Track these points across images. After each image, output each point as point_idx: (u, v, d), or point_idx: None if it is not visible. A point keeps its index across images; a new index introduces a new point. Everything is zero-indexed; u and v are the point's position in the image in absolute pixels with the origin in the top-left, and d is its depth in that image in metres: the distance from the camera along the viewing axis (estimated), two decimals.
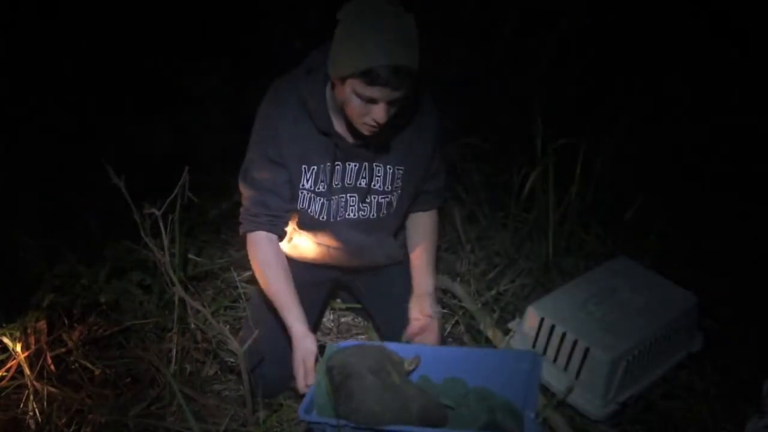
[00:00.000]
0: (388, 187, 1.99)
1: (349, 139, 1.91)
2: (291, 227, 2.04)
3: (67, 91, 3.06)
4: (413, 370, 1.82)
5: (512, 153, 2.96)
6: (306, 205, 1.97)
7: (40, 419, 2.02)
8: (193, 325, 2.24)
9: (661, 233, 2.68)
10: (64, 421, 2.02)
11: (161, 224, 1.81)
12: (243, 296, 2.35)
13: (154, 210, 1.78)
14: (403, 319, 2.04)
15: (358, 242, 2.08)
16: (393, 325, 2.08)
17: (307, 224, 2.02)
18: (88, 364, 2.21)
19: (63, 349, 2.24)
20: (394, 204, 2.04)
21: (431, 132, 2.00)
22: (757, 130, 2.99)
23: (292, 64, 1.91)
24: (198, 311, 2.02)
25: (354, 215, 2.01)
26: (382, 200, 2.01)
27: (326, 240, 2.06)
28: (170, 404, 2.06)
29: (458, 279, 2.59)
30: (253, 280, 2.17)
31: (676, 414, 2.07)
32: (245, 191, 1.97)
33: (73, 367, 2.22)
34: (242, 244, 2.06)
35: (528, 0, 3.40)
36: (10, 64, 2.94)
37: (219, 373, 2.22)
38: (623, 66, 3.23)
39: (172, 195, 1.85)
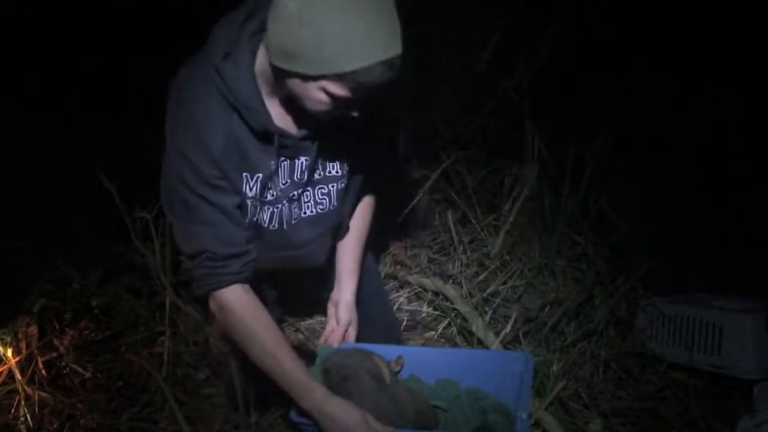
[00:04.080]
0: (344, 170, 1.72)
1: (294, 131, 1.58)
2: None
3: (57, 95, 3.05)
4: (400, 371, 1.80)
5: (504, 155, 2.97)
6: (252, 215, 1.63)
7: (31, 424, 2.01)
8: (184, 329, 2.24)
9: (652, 234, 2.69)
10: (55, 426, 2.01)
11: (152, 228, 1.81)
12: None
13: (145, 214, 1.78)
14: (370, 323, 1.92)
15: (320, 240, 1.81)
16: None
17: (256, 235, 1.68)
18: (80, 369, 2.20)
19: (54, 354, 2.24)
20: (352, 187, 1.81)
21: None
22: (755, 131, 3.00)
23: None
24: (189, 314, 2.02)
25: (312, 211, 1.73)
26: (341, 186, 1.74)
27: (281, 249, 1.76)
28: (162, 408, 2.06)
29: (450, 281, 2.59)
30: None
31: (668, 413, 2.07)
32: (195, 234, 1.55)
33: (64, 371, 2.21)
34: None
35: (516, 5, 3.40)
36: None
37: (211, 377, 2.22)
38: (615, 67, 3.24)
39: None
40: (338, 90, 1.35)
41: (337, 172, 1.72)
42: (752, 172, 2.86)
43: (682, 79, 3.19)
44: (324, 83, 1.35)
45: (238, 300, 1.58)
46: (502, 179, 2.85)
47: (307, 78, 1.36)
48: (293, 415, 1.61)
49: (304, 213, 1.73)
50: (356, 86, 1.34)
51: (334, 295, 1.89)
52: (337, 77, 1.32)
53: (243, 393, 1.84)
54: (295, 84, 1.40)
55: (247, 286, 1.61)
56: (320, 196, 1.73)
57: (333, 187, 1.73)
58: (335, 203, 1.76)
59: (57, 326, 2.30)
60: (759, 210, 2.61)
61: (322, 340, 1.85)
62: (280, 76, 1.42)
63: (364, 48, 1.29)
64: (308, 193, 1.71)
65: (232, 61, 1.46)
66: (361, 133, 1.71)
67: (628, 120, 2.97)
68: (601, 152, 2.77)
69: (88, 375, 2.19)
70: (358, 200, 1.92)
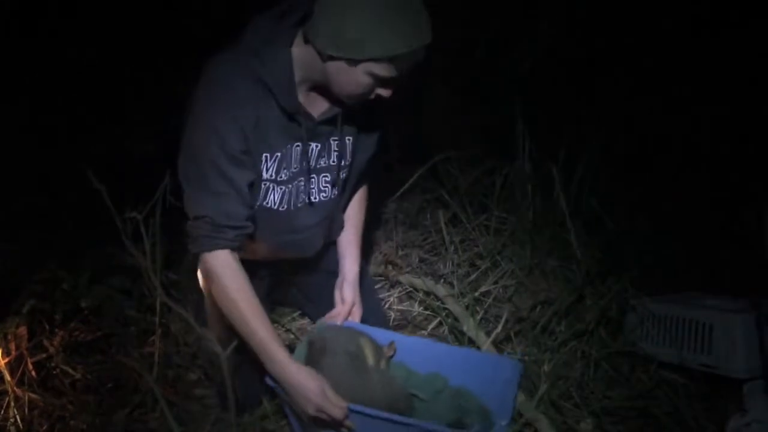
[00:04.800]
0: (348, 161, 1.89)
1: (315, 115, 1.75)
2: None
3: (45, 94, 3.03)
4: (392, 356, 1.87)
5: (495, 155, 2.97)
6: (263, 197, 1.78)
7: (21, 426, 2.00)
8: (175, 330, 2.23)
9: (642, 234, 2.70)
10: (45, 427, 2.00)
11: (143, 228, 1.80)
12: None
13: (135, 214, 1.78)
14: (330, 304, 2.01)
15: (317, 228, 1.94)
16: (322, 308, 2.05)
17: (260, 220, 1.80)
18: (70, 370, 2.19)
19: (44, 355, 2.22)
20: (353, 177, 1.96)
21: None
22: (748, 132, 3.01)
23: None
24: (180, 315, 2.01)
25: (316, 198, 1.87)
26: (343, 176, 1.90)
27: (285, 233, 1.89)
28: (153, 410, 2.05)
29: (441, 280, 2.59)
30: None
31: (658, 412, 2.08)
32: (200, 200, 1.68)
33: (54, 373, 2.20)
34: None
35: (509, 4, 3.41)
36: None
37: (202, 378, 2.21)
38: (606, 67, 3.25)
39: (154, 199, 1.84)
40: (383, 71, 1.55)
41: (342, 162, 1.86)
42: (743, 173, 2.88)
43: (676, 79, 3.20)
44: (371, 66, 1.54)
45: (224, 265, 1.70)
46: (493, 179, 2.85)
47: (357, 62, 1.54)
48: (268, 379, 1.72)
49: (308, 199, 1.86)
50: (400, 67, 1.55)
51: (339, 279, 2.04)
52: (389, 60, 1.52)
53: (234, 394, 1.84)
54: (340, 68, 1.57)
55: (235, 254, 1.72)
56: (324, 184, 1.87)
57: (336, 176, 1.87)
58: (336, 192, 1.91)
59: (47, 327, 2.29)
60: (749, 210, 2.62)
61: (324, 318, 1.98)
62: (324, 62, 1.58)
63: (413, 33, 1.50)
64: (314, 179, 1.85)
65: (272, 48, 1.62)
66: (370, 127, 1.89)
67: (620, 120, 2.99)
68: (592, 153, 2.78)
69: (78, 376, 2.18)
70: (353, 193, 2.07)
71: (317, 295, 2.20)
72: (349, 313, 2.01)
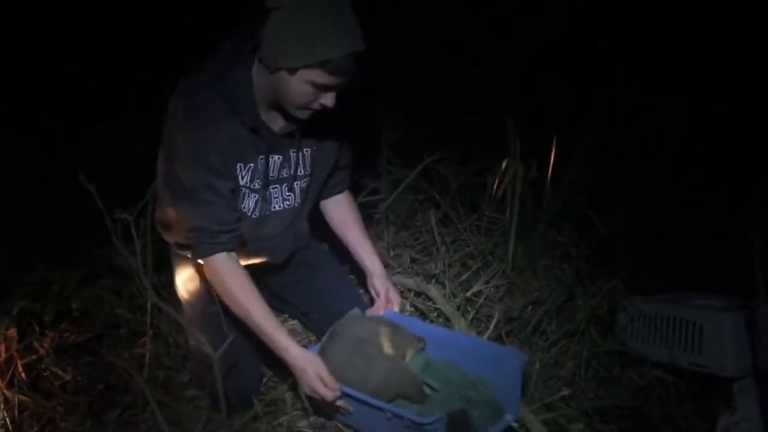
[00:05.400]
0: (308, 170, 2.04)
1: (275, 129, 1.91)
2: None
3: (35, 95, 3.02)
4: (422, 348, 1.97)
5: (486, 155, 2.97)
6: (241, 201, 1.94)
7: (11, 428, 1.98)
8: (165, 331, 2.23)
9: (633, 234, 2.71)
10: (35, 429, 1.99)
11: (133, 229, 1.80)
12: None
13: (125, 215, 1.77)
14: (335, 312, 2.05)
15: (283, 236, 2.09)
16: (327, 317, 2.09)
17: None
18: (60, 372, 2.18)
19: (34, 357, 2.21)
20: (314, 186, 2.10)
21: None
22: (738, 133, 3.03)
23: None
24: (171, 316, 2.01)
25: (280, 206, 2.04)
26: (305, 185, 2.06)
27: (254, 241, 2.02)
28: (144, 411, 2.04)
29: (433, 281, 2.59)
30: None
31: (649, 411, 2.09)
32: (192, 212, 1.84)
33: (44, 374, 2.18)
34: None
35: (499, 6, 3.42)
36: None
37: (193, 379, 2.20)
38: (597, 67, 3.26)
39: (144, 200, 1.83)
40: (319, 78, 1.69)
41: (301, 172, 2.03)
42: (733, 174, 2.89)
43: (670, 79, 3.22)
44: (307, 73, 1.68)
45: (224, 266, 1.87)
46: (484, 180, 2.85)
47: (294, 70, 1.69)
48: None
49: (274, 207, 2.03)
50: (334, 74, 1.68)
51: (368, 277, 2.20)
52: (319, 65, 1.66)
53: (225, 394, 1.83)
54: (282, 79, 1.72)
55: (232, 254, 1.89)
56: (286, 193, 2.04)
57: (297, 185, 2.05)
58: (298, 200, 2.08)
59: (37, 329, 2.27)
60: (738, 211, 2.64)
61: (366, 312, 2.11)
62: (271, 74, 1.74)
63: (341, 41, 1.65)
64: (277, 189, 2.01)
65: (234, 70, 1.79)
66: (329, 140, 2.05)
67: (611, 120, 3.00)
68: (583, 153, 2.79)
69: (68, 378, 2.17)
70: (318, 201, 2.22)
71: (292, 291, 2.28)
72: (387, 303, 2.13)
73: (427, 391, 1.87)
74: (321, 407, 1.88)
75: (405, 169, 3.01)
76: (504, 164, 2.70)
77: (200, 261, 1.91)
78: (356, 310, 2.04)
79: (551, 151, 2.62)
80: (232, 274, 1.88)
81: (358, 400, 1.76)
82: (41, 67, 3.09)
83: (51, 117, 3.04)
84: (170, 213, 1.98)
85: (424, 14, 3.38)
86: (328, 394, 1.78)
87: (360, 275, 2.31)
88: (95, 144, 3.00)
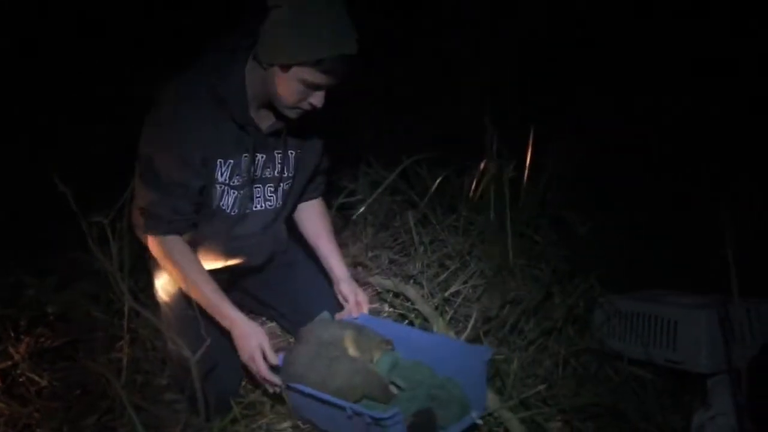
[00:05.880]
0: (291, 173, 2.06)
1: (263, 127, 1.92)
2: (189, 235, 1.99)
3: (9, 96, 2.99)
4: (390, 349, 1.95)
5: (463, 156, 2.99)
6: (219, 199, 1.95)
7: None
8: (143, 335, 2.21)
9: (608, 233, 2.73)
10: None
11: (109, 233, 1.79)
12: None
13: (101, 218, 1.76)
14: (313, 315, 2.05)
15: (261, 237, 2.11)
16: (305, 319, 2.08)
17: (215, 223, 1.99)
18: (36, 377, 2.16)
19: (9, 363, 2.18)
20: (296, 189, 2.12)
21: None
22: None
23: None
24: (148, 319, 2.00)
25: (261, 206, 2.06)
26: (287, 187, 2.08)
27: (230, 238, 2.05)
28: (121, 416, 2.02)
29: (411, 281, 2.60)
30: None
31: (626, 408, 2.11)
32: (151, 193, 1.87)
33: (20, 380, 2.16)
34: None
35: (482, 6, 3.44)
36: None
37: (171, 382, 2.19)
38: (576, 69, 3.29)
39: (120, 202, 1.82)
40: (311, 77, 1.71)
41: (286, 174, 2.05)
42: (707, 173, 2.93)
43: (646, 82, 3.25)
44: (300, 71, 1.70)
45: (172, 245, 1.91)
46: (462, 181, 2.87)
47: (288, 67, 1.71)
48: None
49: (256, 207, 2.05)
50: (328, 73, 1.71)
51: (334, 283, 2.20)
52: (313, 63, 1.69)
53: (203, 398, 1.83)
54: (276, 75, 1.75)
55: (179, 236, 1.92)
56: (269, 193, 2.06)
57: (281, 187, 2.07)
58: (280, 202, 2.09)
59: (12, 334, 2.25)
60: (712, 209, 2.67)
61: (336, 316, 2.12)
62: (265, 71, 1.77)
63: (337, 41, 1.67)
64: (259, 188, 2.03)
65: (229, 65, 1.81)
66: (312, 144, 2.08)
67: (588, 122, 3.02)
68: (559, 154, 2.81)
69: (44, 383, 2.15)
70: (297, 204, 2.23)
71: (270, 294, 2.30)
72: (355, 307, 2.15)
73: (394, 390, 1.86)
74: (256, 380, 1.92)
75: (383, 170, 3.01)
76: (482, 165, 2.72)
77: (148, 236, 1.94)
78: (325, 314, 2.03)
79: (528, 151, 2.64)
80: (181, 250, 1.91)
81: (320, 400, 1.76)
82: (9, 69, 3.06)
83: (19, 118, 3.01)
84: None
85: (405, 14, 3.40)
86: (262, 366, 1.82)
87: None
88: (74, 145, 2.98)
